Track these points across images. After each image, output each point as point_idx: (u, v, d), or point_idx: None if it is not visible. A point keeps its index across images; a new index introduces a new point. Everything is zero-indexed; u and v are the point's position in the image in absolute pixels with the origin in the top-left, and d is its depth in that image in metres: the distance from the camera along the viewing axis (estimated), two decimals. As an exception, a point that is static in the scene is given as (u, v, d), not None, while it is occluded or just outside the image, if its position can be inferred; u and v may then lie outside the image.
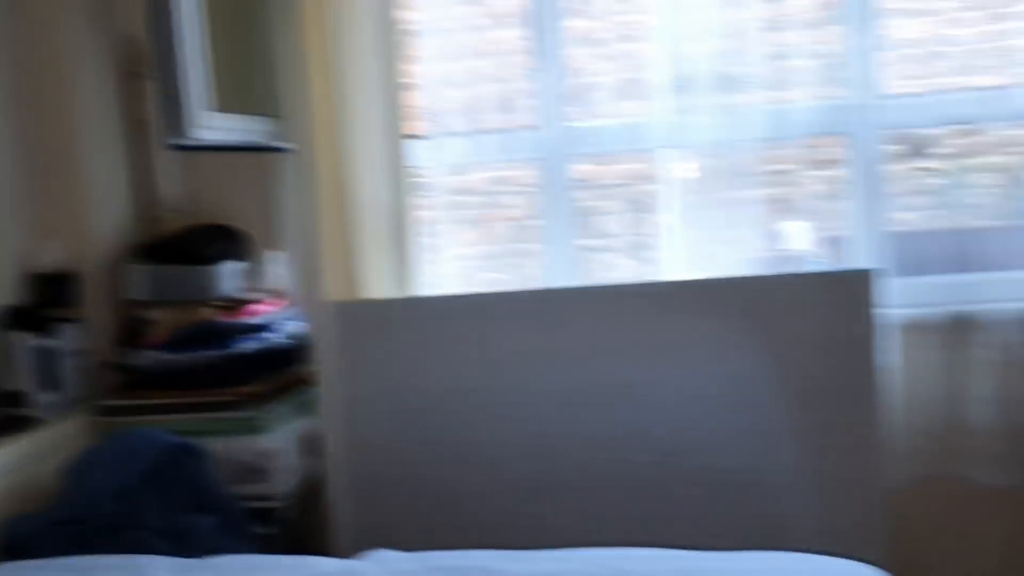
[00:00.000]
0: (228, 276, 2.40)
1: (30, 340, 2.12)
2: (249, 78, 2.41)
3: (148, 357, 2.26)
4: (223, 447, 2.14)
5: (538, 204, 2.60)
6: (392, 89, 2.38)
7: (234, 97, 2.29)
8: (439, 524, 2.20)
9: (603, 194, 2.63)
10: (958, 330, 2.32)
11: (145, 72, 2.40)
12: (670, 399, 2.13)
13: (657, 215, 2.53)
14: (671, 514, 2.09)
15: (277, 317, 2.41)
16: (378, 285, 2.38)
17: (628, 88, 2.55)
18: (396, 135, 2.39)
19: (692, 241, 2.47)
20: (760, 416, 2.09)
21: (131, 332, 2.34)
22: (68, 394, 2.19)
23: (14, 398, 2.09)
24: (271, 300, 2.47)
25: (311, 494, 2.34)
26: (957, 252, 2.47)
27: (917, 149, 2.47)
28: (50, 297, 2.24)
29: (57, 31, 2.29)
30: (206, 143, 2.18)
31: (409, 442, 2.27)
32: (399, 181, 2.40)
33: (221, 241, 2.45)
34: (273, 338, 2.34)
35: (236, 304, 2.37)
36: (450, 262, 2.64)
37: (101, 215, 2.37)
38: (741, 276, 2.23)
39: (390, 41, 2.38)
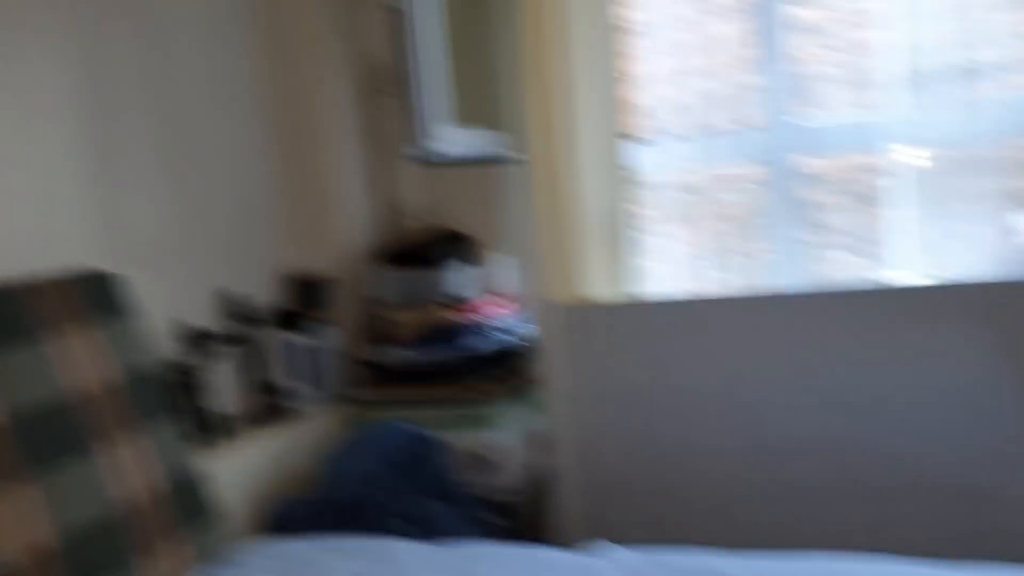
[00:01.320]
0: (459, 279, 2.56)
1: (290, 338, 2.35)
2: (479, 92, 2.54)
3: (393, 355, 2.45)
4: (457, 440, 2.29)
5: (762, 201, 2.56)
6: (611, 91, 2.43)
7: (467, 111, 2.44)
8: (660, 521, 2.23)
9: (829, 190, 2.55)
10: None
11: (386, 89, 2.60)
12: (904, 406, 2.05)
13: (887, 211, 2.43)
14: (903, 523, 2.01)
15: (507, 318, 2.53)
16: (598, 285, 2.45)
17: (857, 80, 2.46)
18: (615, 136, 2.44)
19: (925, 238, 2.36)
20: (1000, 426, 1.98)
21: (377, 332, 2.54)
22: (323, 388, 2.42)
23: (276, 390, 2.33)
24: (501, 302, 2.60)
25: (540, 488, 2.44)
26: None
27: None
28: (306, 300, 2.48)
29: (306, 53, 2.52)
30: (442, 157, 2.32)
31: (634, 441, 2.32)
32: (618, 182, 2.45)
33: (453, 246, 2.61)
34: (504, 338, 2.46)
35: (467, 305, 2.52)
36: (671, 261, 2.66)
37: (349, 225, 2.59)
38: (978, 281, 2.09)
39: (608, 41, 2.41)
